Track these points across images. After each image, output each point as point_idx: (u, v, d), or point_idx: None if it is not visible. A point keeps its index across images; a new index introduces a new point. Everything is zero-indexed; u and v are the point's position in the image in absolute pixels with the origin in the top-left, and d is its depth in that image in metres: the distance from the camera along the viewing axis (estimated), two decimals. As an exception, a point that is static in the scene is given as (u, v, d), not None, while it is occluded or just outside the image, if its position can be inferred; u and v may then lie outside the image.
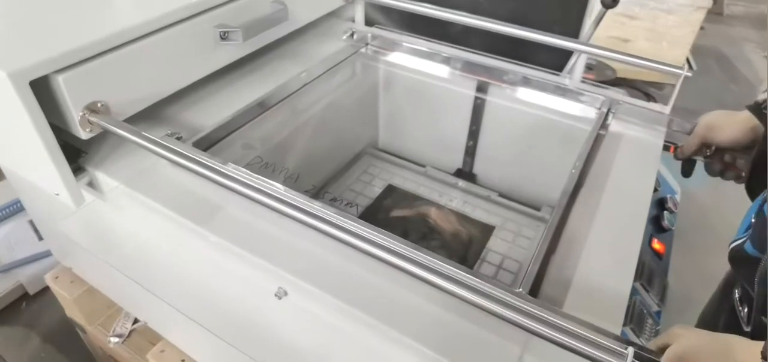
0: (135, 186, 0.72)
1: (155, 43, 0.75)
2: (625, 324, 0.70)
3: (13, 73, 0.60)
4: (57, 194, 0.73)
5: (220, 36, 0.82)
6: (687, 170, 0.87)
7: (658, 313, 0.79)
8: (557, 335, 0.46)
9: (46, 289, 1.52)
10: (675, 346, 0.49)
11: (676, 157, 0.87)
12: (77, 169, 0.75)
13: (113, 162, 0.76)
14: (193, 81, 0.84)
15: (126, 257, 0.76)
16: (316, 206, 0.57)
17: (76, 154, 0.76)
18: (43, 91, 0.65)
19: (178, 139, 0.78)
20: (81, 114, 0.68)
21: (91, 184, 0.76)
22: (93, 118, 0.69)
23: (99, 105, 0.70)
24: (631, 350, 0.44)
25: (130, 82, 0.74)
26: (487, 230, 1.11)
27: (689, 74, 0.88)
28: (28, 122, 0.64)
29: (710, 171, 0.85)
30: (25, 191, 0.97)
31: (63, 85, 0.65)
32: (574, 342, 0.45)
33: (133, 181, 0.73)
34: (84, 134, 0.69)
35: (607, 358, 0.44)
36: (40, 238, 1.57)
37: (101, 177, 0.75)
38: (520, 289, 0.56)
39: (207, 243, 0.66)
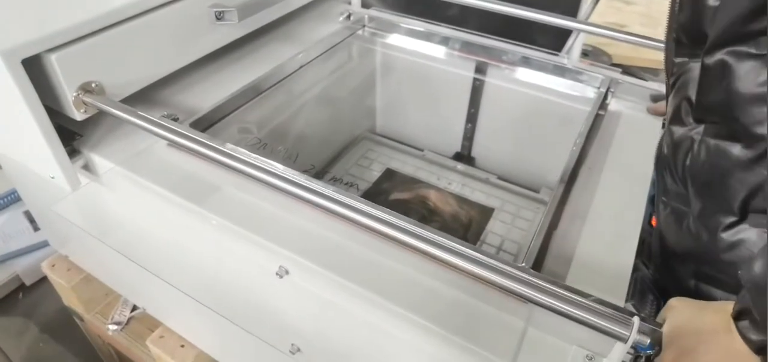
0: (131, 167, 0.71)
1: (150, 22, 0.74)
2: (627, 300, 0.70)
3: (4, 52, 0.59)
4: (52, 177, 0.72)
5: (216, 16, 0.81)
6: None
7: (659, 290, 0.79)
8: (563, 306, 0.46)
9: (42, 280, 1.52)
10: (668, 320, 0.48)
11: (654, 113, 0.87)
12: (72, 152, 0.74)
13: (108, 144, 0.75)
14: (189, 62, 0.83)
15: (123, 239, 0.76)
16: (320, 185, 0.56)
17: (71, 136, 0.75)
18: (35, 71, 0.64)
19: (175, 120, 0.77)
20: (75, 94, 0.67)
21: (87, 167, 0.75)
22: (87, 99, 0.68)
23: (93, 85, 0.69)
24: (636, 320, 0.44)
25: (124, 63, 0.73)
26: (487, 212, 1.10)
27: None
28: (21, 102, 0.63)
29: None
30: (21, 177, 0.96)
31: (56, 64, 0.64)
32: (580, 313, 0.45)
33: (128, 162, 0.72)
34: (78, 115, 0.68)
35: (613, 328, 0.44)
36: (36, 229, 1.56)
37: (96, 159, 0.74)
38: (523, 263, 0.56)
39: (205, 224, 0.65)
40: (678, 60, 0.61)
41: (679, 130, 0.61)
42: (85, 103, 0.68)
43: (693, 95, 0.58)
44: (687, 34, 0.58)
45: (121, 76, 0.73)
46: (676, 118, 0.61)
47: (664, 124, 0.86)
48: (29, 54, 0.62)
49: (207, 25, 0.83)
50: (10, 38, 0.61)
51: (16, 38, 0.61)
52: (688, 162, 0.59)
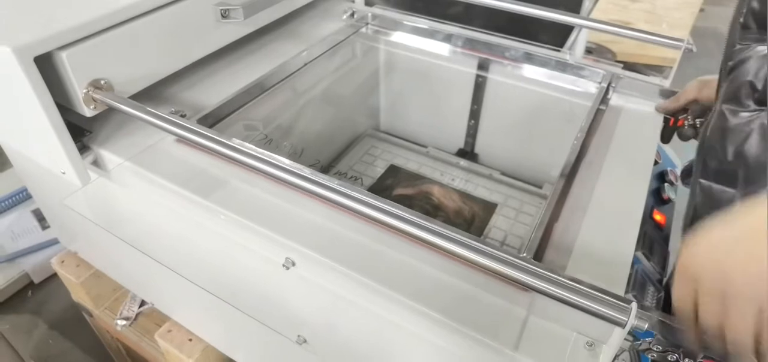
0: (139, 163, 0.72)
1: (156, 20, 0.75)
2: (627, 292, 0.71)
3: (17, 49, 0.60)
4: (63, 172, 0.73)
5: (221, 14, 0.82)
6: (667, 136, 0.88)
7: (660, 281, 0.80)
8: (563, 292, 0.47)
9: (51, 278, 1.54)
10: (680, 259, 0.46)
11: (662, 110, 0.88)
12: (82, 148, 0.75)
13: (117, 140, 0.77)
14: (195, 60, 0.85)
15: (132, 232, 0.77)
16: (326, 178, 0.57)
17: (80, 133, 0.76)
18: (45, 68, 0.66)
19: (182, 116, 0.78)
20: (85, 91, 0.68)
21: (96, 163, 0.77)
22: (97, 95, 0.69)
23: (102, 82, 0.70)
24: (634, 305, 0.45)
25: (132, 60, 0.75)
26: (490, 208, 1.11)
27: (691, 46, 0.88)
28: (34, 99, 0.64)
29: (683, 136, 0.86)
30: (31, 173, 0.98)
31: (67, 61, 0.65)
32: (579, 299, 0.46)
33: (137, 157, 0.73)
34: (88, 111, 0.70)
35: (612, 313, 0.45)
36: (44, 228, 1.58)
37: (106, 154, 0.75)
38: (525, 254, 0.57)
39: (213, 217, 0.67)
40: (740, 45, 0.62)
41: (735, 113, 0.61)
42: (94, 100, 0.69)
43: (758, 80, 0.59)
44: (757, 19, 0.60)
45: (128, 73, 0.75)
46: (733, 101, 0.62)
47: (665, 120, 0.87)
48: (41, 51, 0.63)
49: (213, 23, 0.84)
50: (23, 36, 0.62)
51: (28, 36, 0.62)
52: (744, 144, 0.60)
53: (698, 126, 0.83)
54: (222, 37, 0.88)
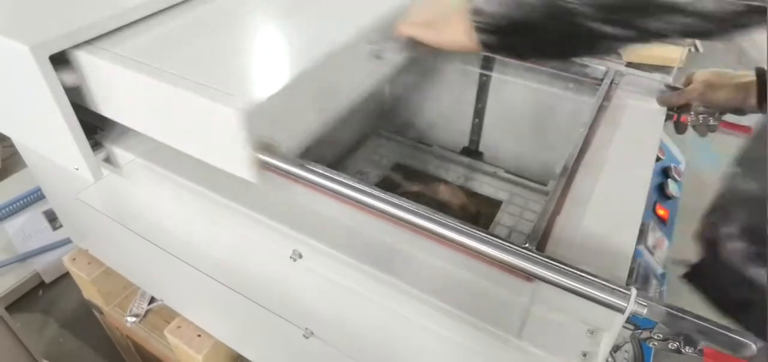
0: (150, 158, 0.74)
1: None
2: (629, 284, 0.72)
3: (34, 47, 0.62)
4: (76, 168, 0.75)
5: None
6: (681, 128, 0.89)
7: (663, 275, 0.80)
8: (564, 279, 0.48)
9: (61, 278, 1.55)
10: None
11: (663, 103, 0.88)
12: (94, 145, 0.76)
13: (128, 137, 0.78)
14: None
15: (143, 227, 0.78)
16: (334, 173, 0.59)
17: (93, 130, 0.78)
18: (59, 66, 0.67)
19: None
20: (99, 89, 0.70)
21: (108, 159, 0.78)
22: (110, 93, 0.70)
23: (115, 80, 0.72)
24: (633, 290, 0.46)
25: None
26: (495, 205, 1.12)
27: (696, 46, 0.89)
28: (49, 97, 0.66)
29: (700, 132, 0.87)
30: (44, 171, 1.00)
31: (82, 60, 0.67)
32: (580, 286, 0.47)
33: (148, 154, 0.75)
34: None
35: (611, 299, 0.46)
36: (55, 229, 1.60)
37: (118, 151, 0.77)
38: (528, 245, 0.58)
39: (222, 211, 0.68)
40: None
41: None
42: (108, 98, 0.71)
43: None
44: None
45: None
46: None
47: (668, 117, 0.88)
48: (57, 49, 0.65)
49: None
50: (39, 34, 0.64)
51: (44, 34, 0.64)
52: None
53: (705, 123, 0.84)
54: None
